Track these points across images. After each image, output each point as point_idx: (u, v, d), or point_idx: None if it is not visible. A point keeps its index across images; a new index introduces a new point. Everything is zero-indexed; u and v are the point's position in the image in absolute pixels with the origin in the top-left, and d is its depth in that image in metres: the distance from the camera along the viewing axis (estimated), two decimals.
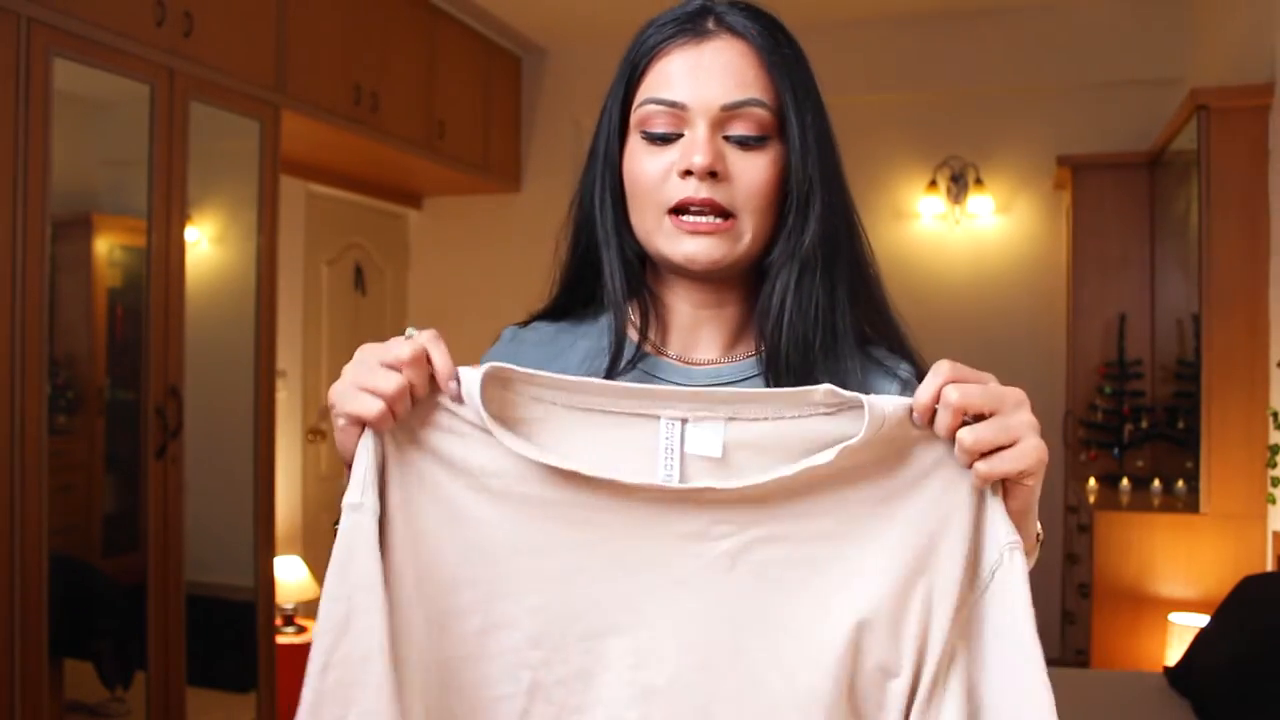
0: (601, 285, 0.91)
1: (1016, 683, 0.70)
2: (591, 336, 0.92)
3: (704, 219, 0.84)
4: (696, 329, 0.91)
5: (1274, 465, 2.71)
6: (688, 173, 0.83)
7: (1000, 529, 0.71)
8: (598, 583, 0.73)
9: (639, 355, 0.89)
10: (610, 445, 0.74)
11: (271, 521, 3.11)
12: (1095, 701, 2.44)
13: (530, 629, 0.73)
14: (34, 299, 2.31)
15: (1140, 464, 3.64)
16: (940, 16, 4.21)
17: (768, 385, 0.85)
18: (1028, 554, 0.75)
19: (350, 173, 4.29)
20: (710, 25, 0.85)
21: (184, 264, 2.77)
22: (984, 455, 0.69)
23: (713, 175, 0.83)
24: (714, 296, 0.90)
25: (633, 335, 0.90)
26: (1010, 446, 0.69)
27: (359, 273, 4.59)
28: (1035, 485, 0.72)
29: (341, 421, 0.74)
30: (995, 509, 0.71)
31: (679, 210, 0.84)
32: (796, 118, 0.84)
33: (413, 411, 0.74)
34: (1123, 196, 3.77)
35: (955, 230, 4.33)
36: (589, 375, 0.88)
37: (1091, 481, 3.54)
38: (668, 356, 0.90)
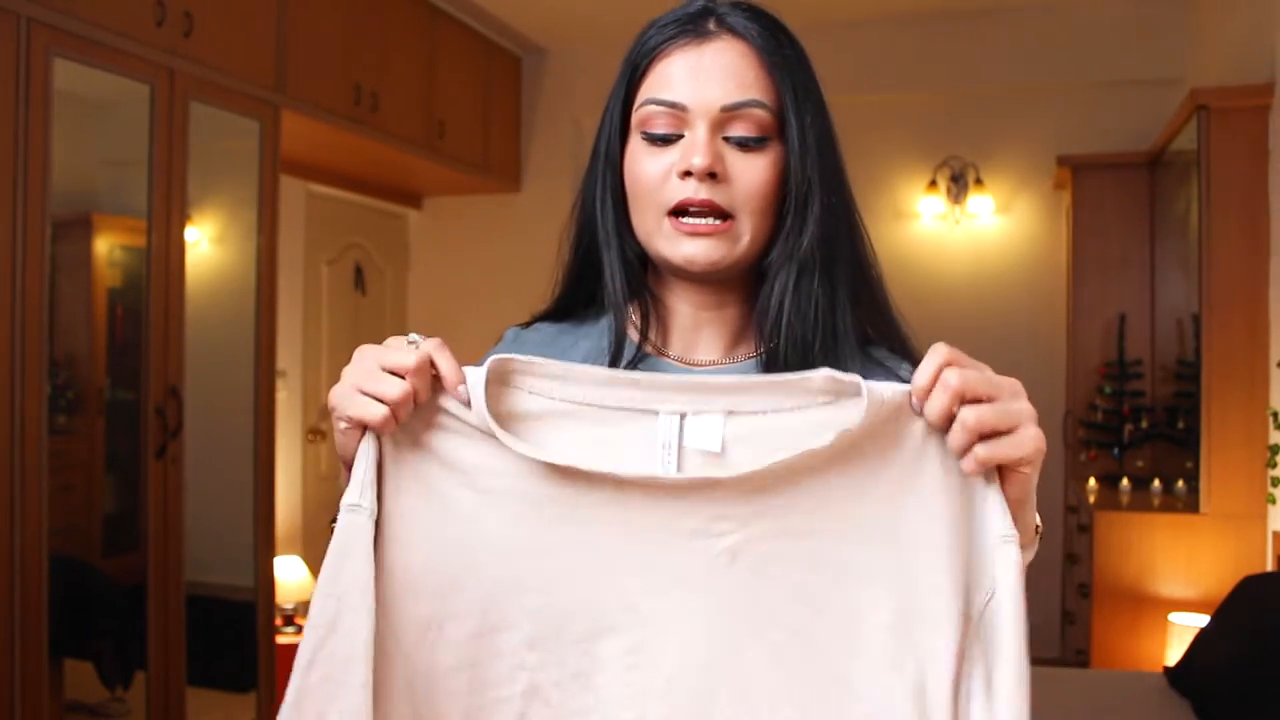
0: (602, 286, 0.91)
1: (993, 685, 0.69)
2: (593, 337, 0.92)
3: (703, 220, 0.84)
4: (697, 330, 0.91)
5: (1274, 465, 2.71)
6: (687, 174, 0.83)
7: (997, 521, 0.70)
8: (596, 582, 0.72)
9: (639, 356, 0.89)
10: (608, 441, 0.73)
11: (271, 521, 3.11)
12: (1095, 701, 2.44)
13: (528, 630, 0.73)
14: (34, 299, 2.31)
15: (1140, 464, 3.64)
16: (940, 16, 4.21)
17: None
18: (1026, 546, 0.75)
19: (350, 173, 4.29)
20: (711, 26, 0.85)
21: (184, 264, 2.77)
22: (983, 439, 0.68)
23: (712, 176, 0.83)
24: (715, 298, 0.90)
25: (633, 336, 0.90)
26: (1009, 432, 0.69)
27: (359, 273, 4.59)
28: (1033, 474, 0.72)
29: (343, 424, 0.74)
30: (993, 500, 0.70)
31: (679, 211, 0.84)
32: (796, 119, 0.84)
33: (412, 414, 0.74)
34: (1123, 196, 3.77)
35: (955, 230, 4.33)
36: None
37: (1091, 481, 3.54)
38: (668, 357, 0.91)
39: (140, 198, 2.67)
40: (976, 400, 0.68)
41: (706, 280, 0.88)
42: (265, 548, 3.09)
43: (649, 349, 0.90)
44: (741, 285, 0.90)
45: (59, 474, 2.47)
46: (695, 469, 0.73)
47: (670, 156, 0.84)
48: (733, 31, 0.85)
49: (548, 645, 0.73)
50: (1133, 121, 3.99)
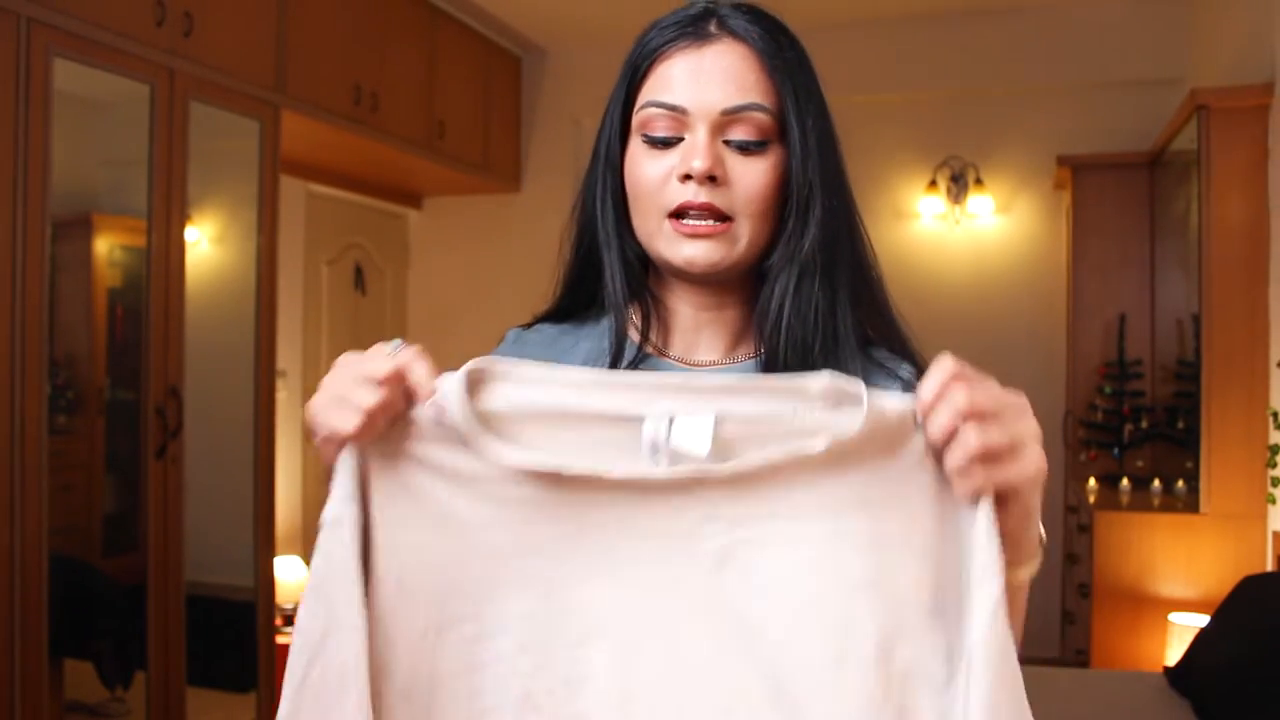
0: (603, 287, 0.91)
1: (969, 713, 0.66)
2: (593, 338, 0.93)
3: (702, 223, 0.84)
4: (698, 330, 0.91)
5: (1274, 465, 2.71)
6: (687, 177, 0.83)
7: (981, 552, 0.67)
8: (585, 585, 0.71)
9: (640, 357, 0.89)
10: (594, 445, 0.71)
11: (271, 522, 3.11)
12: (1095, 701, 2.44)
13: (520, 635, 0.72)
14: (34, 299, 2.31)
15: (1140, 464, 3.64)
16: (940, 16, 4.21)
17: None
18: (1027, 561, 0.73)
19: (350, 173, 4.29)
20: (712, 29, 0.85)
21: (184, 264, 2.77)
22: (983, 461, 0.66)
23: (712, 180, 0.83)
24: (715, 298, 0.90)
25: (634, 337, 0.90)
26: (1011, 454, 0.67)
27: (359, 273, 4.59)
28: (1033, 494, 0.70)
29: (320, 436, 0.73)
30: (982, 527, 0.67)
31: (678, 214, 0.84)
32: (797, 122, 0.84)
33: (394, 422, 0.72)
34: (1123, 196, 3.77)
35: (955, 230, 4.33)
36: None
37: (1091, 481, 3.54)
38: (669, 358, 0.91)
39: (140, 198, 2.67)
40: (981, 419, 0.66)
41: (707, 282, 0.88)
42: (265, 548, 3.09)
43: (650, 349, 0.90)
44: (742, 286, 0.90)
45: (59, 474, 2.47)
46: (685, 468, 0.71)
47: (670, 159, 0.84)
48: (734, 34, 0.85)
49: (539, 650, 0.72)
50: (1133, 121, 3.99)
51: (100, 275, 2.71)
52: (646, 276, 0.92)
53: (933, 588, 0.69)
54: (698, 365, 0.90)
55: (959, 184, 4.30)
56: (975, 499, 0.68)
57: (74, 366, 2.63)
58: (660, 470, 0.70)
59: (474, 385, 0.72)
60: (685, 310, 0.91)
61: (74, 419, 2.64)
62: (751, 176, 0.84)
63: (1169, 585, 2.97)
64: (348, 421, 0.70)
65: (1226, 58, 3.37)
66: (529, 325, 0.98)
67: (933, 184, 4.32)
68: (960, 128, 4.31)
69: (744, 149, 0.84)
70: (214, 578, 2.99)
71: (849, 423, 0.68)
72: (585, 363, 0.90)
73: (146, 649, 2.67)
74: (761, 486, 0.70)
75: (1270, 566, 2.76)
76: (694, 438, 0.70)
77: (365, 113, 3.54)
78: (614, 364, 0.88)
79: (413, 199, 4.87)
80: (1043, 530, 0.75)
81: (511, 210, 4.75)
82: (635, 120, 0.87)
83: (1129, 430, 3.67)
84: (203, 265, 2.97)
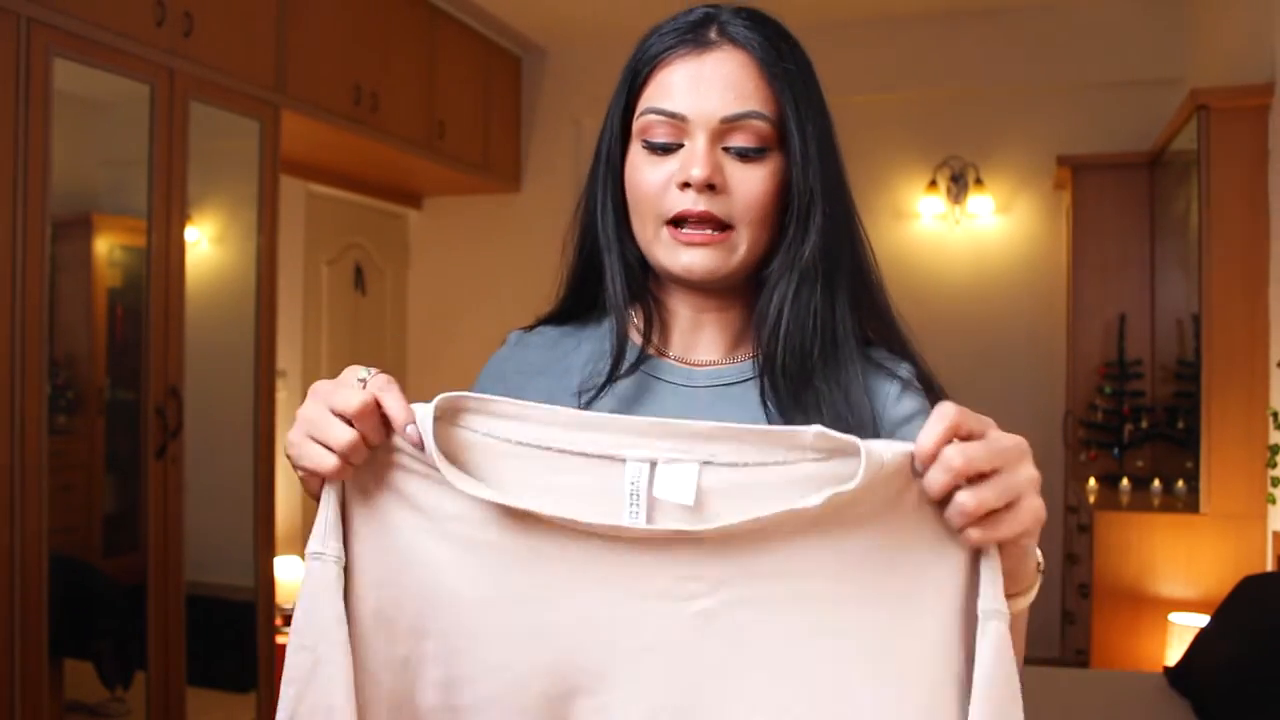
0: (604, 289, 0.91)
1: None
2: (595, 339, 0.93)
3: (700, 231, 0.84)
4: (697, 330, 0.91)
5: (1274, 465, 2.71)
6: (686, 184, 0.83)
7: (986, 594, 0.65)
8: (561, 640, 0.68)
9: (641, 358, 0.89)
10: (570, 488, 0.68)
11: (271, 521, 3.11)
12: (1095, 701, 2.44)
13: (490, 688, 0.69)
14: (34, 299, 2.31)
15: (1140, 464, 3.64)
16: (940, 16, 4.21)
17: (764, 391, 0.84)
18: (1026, 591, 0.72)
19: (350, 173, 4.29)
20: (713, 35, 0.85)
21: (184, 264, 2.77)
22: (980, 522, 0.64)
23: (711, 188, 0.83)
24: (716, 300, 0.90)
25: (636, 338, 0.90)
26: (1009, 508, 0.65)
27: (359, 273, 4.59)
28: (1031, 543, 0.69)
29: (300, 473, 0.73)
30: (986, 570, 0.65)
31: (677, 221, 0.84)
32: (797, 130, 0.84)
33: (375, 452, 0.70)
34: (1123, 196, 3.77)
35: (955, 230, 4.33)
36: (592, 377, 0.88)
37: (1091, 481, 3.54)
38: (669, 358, 0.91)
39: (140, 198, 2.67)
40: (978, 478, 0.64)
41: (706, 287, 0.88)
42: (265, 548, 3.09)
43: (650, 350, 0.90)
44: (743, 288, 0.90)
45: (59, 474, 2.47)
46: (666, 522, 0.66)
47: (670, 166, 0.84)
48: (734, 41, 0.85)
49: (510, 704, 0.69)
50: (1133, 121, 3.99)
51: (100, 275, 2.71)
52: (647, 279, 0.92)
53: (937, 644, 0.65)
54: (697, 365, 0.90)
55: (959, 184, 4.30)
56: (974, 549, 0.66)
57: (74, 366, 2.63)
58: (637, 525, 0.66)
59: (448, 417, 0.69)
60: (685, 311, 0.91)
61: (74, 419, 2.64)
62: (750, 184, 0.84)
63: (1169, 585, 2.97)
64: (323, 460, 0.69)
65: (1226, 58, 3.37)
66: (530, 327, 0.98)
67: (933, 184, 4.32)
68: (960, 128, 4.31)
69: (743, 156, 0.84)
70: (214, 578, 2.99)
71: (844, 473, 0.64)
72: (587, 364, 0.90)
73: (146, 649, 2.67)
74: (750, 545, 0.66)
75: (1270, 566, 2.76)
76: (676, 487, 0.66)
77: (365, 113, 3.54)
78: (615, 366, 0.87)
79: (413, 199, 4.87)
80: (1040, 556, 0.74)
81: (511, 210, 4.75)
82: (635, 126, 0.87)
83: (1129, 430, 3.67)
84: (203, 265, 2.97)
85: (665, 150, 0.85)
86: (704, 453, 0.66)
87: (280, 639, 3.32)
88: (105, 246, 2.74)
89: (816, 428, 0.65)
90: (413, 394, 0.69)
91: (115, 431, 2.72)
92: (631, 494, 0.67)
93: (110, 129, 2.77)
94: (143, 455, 2.67)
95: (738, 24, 0.85)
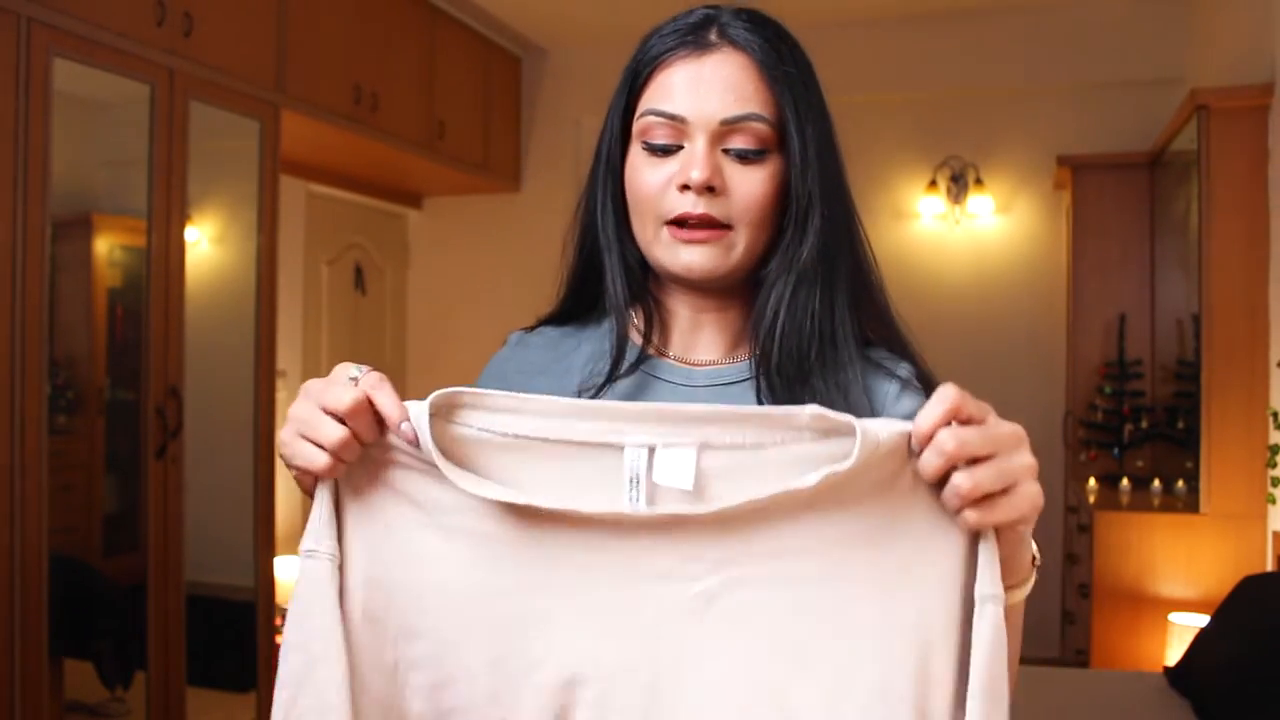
0: (604, 290, 0.91)
1: None
2: (596, 340, 0.93)
3: (700, 230, 0.84)
4: (697, 330, 0.91)
5: (1274, 465, 2.71)
6: (686, 186, 0.83)
7: (982, 578, 0.65)
8: (559, 629, 0.68)
9: (641, 358, 0.89)
10: (569, 477, 0.68)
11: (271, 521, 3.11)
12: (1095, 701, 2.44)
13: (488, 683, 0.68)
14: (34, 299, 2.31)
15: (1140, 464, 3.64)
16: (940, 16, 4.21)
17: (760, 391, 0.85)
18: (1022, 583, 0.73)
19: (350, 173, 4.29)
20: (713, 37, 0.85)
21: (184, 264, 2.77)
22: (977, 503, 0.65)
23: (710, 190, 0.83)
24: (715, 301, 0.90)
25: (636, 338, 0.90)
26: (1005, 492, 0.65)
27: (359, 273, 4.59)
28: (1027, 530, 0.69)
29: (293, 468, 0.72)
30: (983, 554, 0.65)
31: (677, 223, 0.85)
32: (796, 132, 0.84)
33: (371, 448, 0.70)
34: (1123, 196, 3.77)
35: (955, 230, 4.33)
36: (592, 377, 0.88)
37: (1091, 481, 3.54)
38: (668, 358, 0.91)
39: (140, 198, 2.67)
40: (975, 460, 0.64)
41: (706, 287, 0.89)
42: (265, 548, 3.09)
43: (650, 350, 0.90)
44: (743, 289, 0.90)
45: (59, 474, 2.47)
46: (666, 506, 0.67)
47: (670, 167, 0.84)
48: (734, 43, 0.85)
49: (510, 698, 0.68)
50: (1133, 121, 3.99)
51: (100, 275, 2.72)
52: (647, 279, 0.92)
53: (934, 624, 0.66)
54: (696, 365, 0.90)
55: (959, 184, 4.30)
56: (971, 532, 0.66)
57: (74, 366, 2.63)
58: (638, 510, 0.67)
59: (443, 413, 0.69)
60: (685, 312, 0.91)
61: (74, 419, 2.64)
62: (749, 185, 0.84)
63: (1169, 585, 2.97)
64: (315, 458, 0.69)
65: (1226, 58, 3.37)
66: (531, 328, 0.99)
67: (933, 184, 4.32)
68: (960, 128, 4.31)
69: (743, 158, 0.84)
70: (214, 578, 2.99)
71: (840, 453, 0.65)
72: (587, 364, 0.90)
73: (146, 649, 2.67)
74: (749, 525, 0.66)
75: (1270, 566, 2.76)
76: (675, 471, 0.66)
77: (365, 113, 3.54)
78: (614, 367, 0.88)
79: (413, 199, 4.87)
80: (1036, 550, 0.75)
81: (511, 210, 4.75)
82: (635, 127, 0.87)
83: (1129, 430, 3.67)
84: (203, 265, 2.97)
85: (665, 152, 0.85)
86: (701, 436, 0.67)
87: (280, 639, 3.32)
88: (105, 246, 2.74)
89: (813, 407, 0.66)
90: (412, 393, 0.69)
91: (115, 431, 2.72)
92: (631, 480, 0.67)
93: (110, 129, 2.78)
94: (143, 455, 2.67)
95: (738, 26, 0.85)
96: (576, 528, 0.67)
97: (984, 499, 0.64)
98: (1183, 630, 2.79)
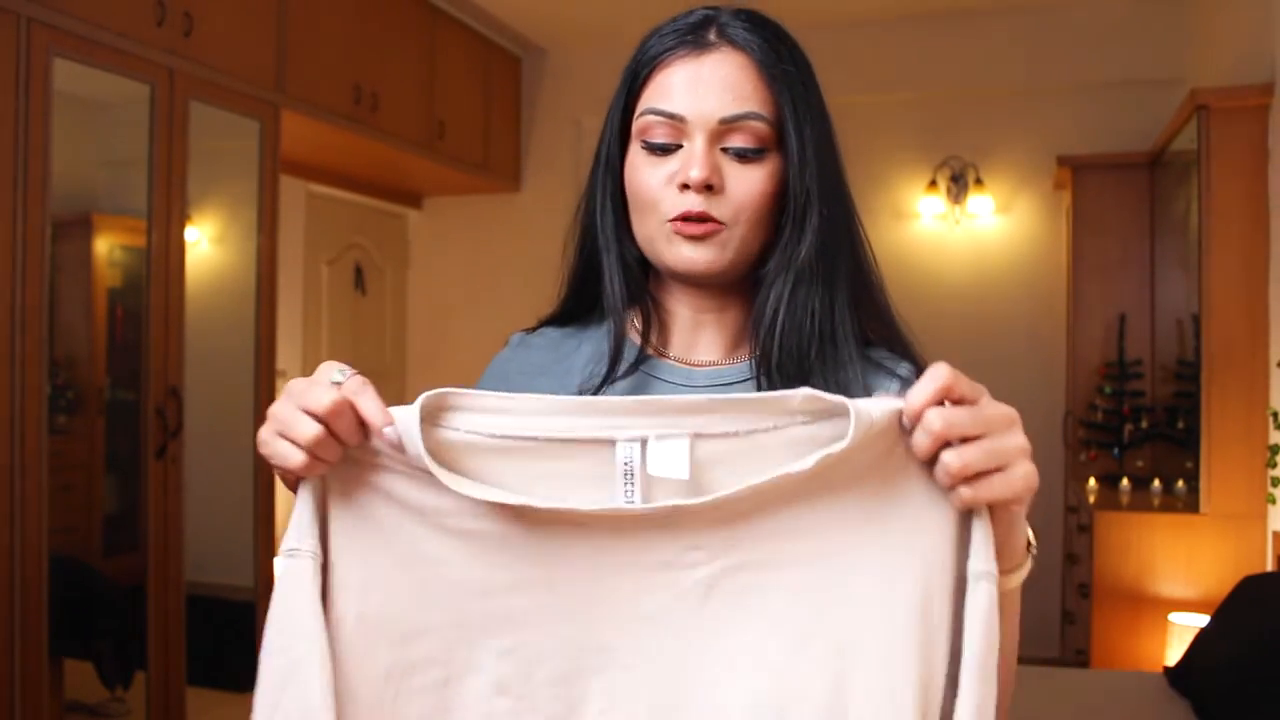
0: (602, 290, 0.91)
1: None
2: (596, 340, 0.93)
3: (700, 225, 0.84)
4: (697, 331, 0.91)
5: (1274, 465, 2.71)
6: (685, 185, 0.83)
7: (976, 555, 0.65)
8: (565, 621, 0.68)
9: (641, 358, 0.89)
10: (564, 475, 0.68)
11: (271, 521, 3.11)
12: (1095, 701, 2.44)
13: (496, 675, 0.68)
14: (34, 299, 2.31)
15: (1140, 464, 3.64)
16: (940, 16, 4.21)
17: (761, 390, 0.85)
18: (1017, 569, 0.73)
19: (350, 173, 4.29)
20: (712, 37, 0.85)
21: (184, 264, 2.77)
22: (969, 479, 0.65)
23: (709, 189, 0.83)
24: (715, 301, 0.91)
25: (636, 339, 0.90)
26: (998, 471, 0.65)
27: (359, 273, 4.59)
28: (1021, 510, 0.69)
29: (277, 470, 0.72)
30: (977, 532, 0.66)
31: (677, 221, 0.85)
32: (795, 131, 0.84)
33: (356, 451, 0.69)
34: (1123, 196, 3.77)
35: (955, 230, 4.33)
36: (591, 378, 0.88)
37: (1091, 481, 3.54)
38: (668, 358, 0.91)
39: (140, 198, 2.67)
40: (964, 440, 0.65)
41: (705, 285, 0.89)
42: (265, 548, 3.09)
43: (650, 350, 0.90)
44: (742, 289, 0.90)
45: (59, 474, 2.47)
46: (662, 498, 0.67)
47: (669, 166, 0.85)
48: (733, 43, 0.85)
49: (518, 690, 0.68)
50: (1133, 121, 3.99)
51: (100, 275, 2.72)
52: (646, 280, 0.92)
53: (931, 601, 0.66)
54: (696, 365, 0.90)
55: (959, 184, 4.30)
56: (965, 510, 0.67)
57: (74, 366, 2.63)
58: (634, 506, 0.67)
59: (432, 417, 0.68)
60: (684, 312, 0.91)
61: (74, 419, 2.64)
62: (747, 184, 0.84)
63: (1169, 585, 2.97)
64: (290, 456, 0.68)
65: (1226, 58, 3.37)
66: (533, 329, 0.99)
67: (933, 184, 4.32)
68: (960, 128, 4.31)
69: (741, 157, 0.84)
70: (214, 578, 2.99)
71: (835, 434, 0.65)
72: (588, 364, 0.91)
73: (146, 649, 2.67)
74: (747, 511, 0.67)
75: (1270, 566, 2.76)
76: (670, 462, 0.66)
77: (365, 113, 3.55)
78: (613, 367, 0.88)
79: (413, 199, 4.87)
80: (1031, 534, 0.75)
81: (511, 210, 4.75)
82: (635, 127, 0.87)
83: (1129, 430, 3.67)
84: (203, 265, 2.97)
85: (664, 151, 0.85)
86: (694, 425, 0.67)
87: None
88: (105, 246, 2.74)
89: (805, 390, 0.66)
90: (413, 394, 0.69)
91: (115, 431, 2.72)
92: (625, 474, 0.67)
93: (110, 129, 2.78)
94: (143, 455, 2.67)
95: (737, 26, 0.86)
96: (576, 525, 0.67)
97: (975, 476, 0.65)
98: (1183, 630, 2.79)
